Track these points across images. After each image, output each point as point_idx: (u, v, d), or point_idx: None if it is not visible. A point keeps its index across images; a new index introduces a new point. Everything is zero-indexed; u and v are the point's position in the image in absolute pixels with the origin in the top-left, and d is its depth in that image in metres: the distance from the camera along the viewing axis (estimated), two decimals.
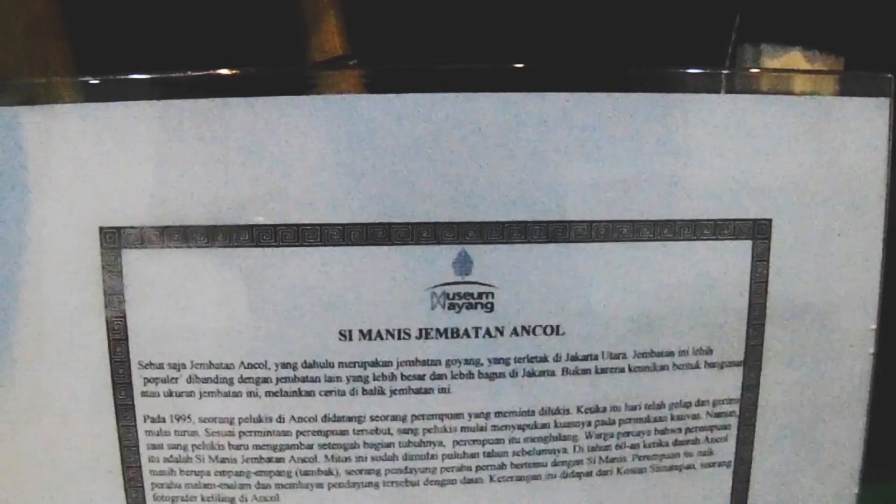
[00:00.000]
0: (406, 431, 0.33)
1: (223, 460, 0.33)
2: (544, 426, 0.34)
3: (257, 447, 0.33)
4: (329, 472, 0.33)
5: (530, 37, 0.41)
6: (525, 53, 0.37)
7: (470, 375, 0.33)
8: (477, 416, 0.33)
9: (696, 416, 0.34)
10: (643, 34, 0.41)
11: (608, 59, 0.39)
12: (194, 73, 0.32)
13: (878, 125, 0.34)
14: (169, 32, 0.42)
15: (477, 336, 0.33)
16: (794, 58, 0.39)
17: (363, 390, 0.33)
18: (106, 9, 0.42)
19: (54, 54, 0.39)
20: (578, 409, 0.34)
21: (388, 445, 0.33)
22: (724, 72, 0.34)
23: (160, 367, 0.33)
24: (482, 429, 0.34)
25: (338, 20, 0.41)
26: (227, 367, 0.33)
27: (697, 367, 0.34)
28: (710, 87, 0.33)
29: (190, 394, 0.33)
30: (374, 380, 0.33)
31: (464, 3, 0.42)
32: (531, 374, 0.33)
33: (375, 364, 0.33)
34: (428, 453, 0.34)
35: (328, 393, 0.33)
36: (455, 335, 0.33)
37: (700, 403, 0.34)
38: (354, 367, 0.33)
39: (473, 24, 0.41)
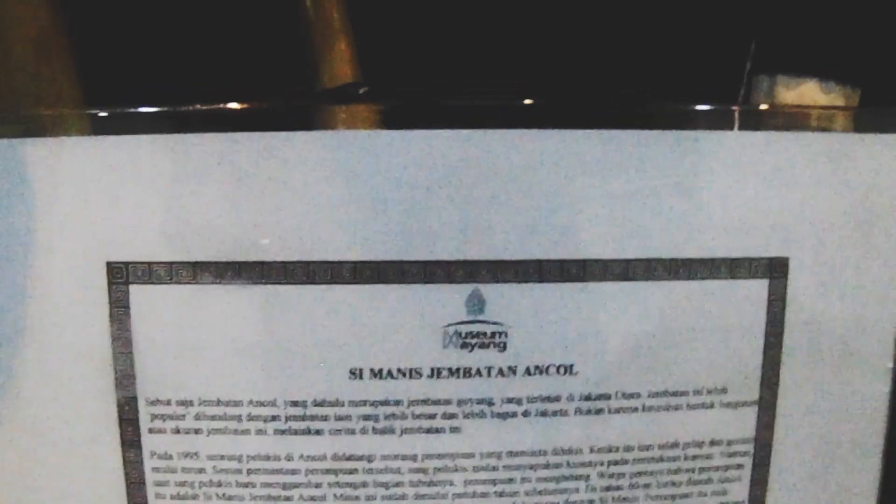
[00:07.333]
0: (417, 471, 0.33)
1: (230, 498, 0.33)
2: (557, 466, 0.33)
3: (265, 485, 0.33)
4: None
5: (543, 68, 0.40)
6: (537, 84, 0.37)
7: (482, 415, 0.33)
8: (489, 455, 0.33)
9: (709, 456, 0.34)
10: (657, 64, 0.41)
11: (622, 90, 0.39)
12: (203, 108, 0.31)
13: (894, 162, 0.33)
14: (176, 55, 0.41)
15: (489, 375, 0.32)
16: (810, 89, 0.39)
17: (373, 429, 0.32)
18: (112, 31, 0.41)
19: (60, 79, 0.39)
20: (591, 449, 0.33)
21: (399, 485, 0.33)
22: (740, 108, 0.33)
23: (167, 403, 0.32)
24: (494, 469, 0.33)
25: (349, 47, 0.40)
26: (236, 404, 0.32)
27: (712, 406, 0.34)
28: (725, 123, 0.33)
29: (198, 431, 0.32)
30: (385, 419, 0.32)
31: (476, 32, 0.41)
32: (544, 414, 0.33)
33: (386, 403, 0.32)
34: (439, 493, 0.33)
35: (338, 432, 0.32)
36: (467, 374, 0.32)
37: (714, 443, 0.34)
38: (365, 405, 0.32)
39: (486, 52, 0.41)
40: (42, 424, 0.32)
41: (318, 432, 0.32)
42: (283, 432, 0.32)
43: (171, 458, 0.33)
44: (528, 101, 0.32)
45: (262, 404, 0.32)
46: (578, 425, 0.33)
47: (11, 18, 0.38)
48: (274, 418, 0.32)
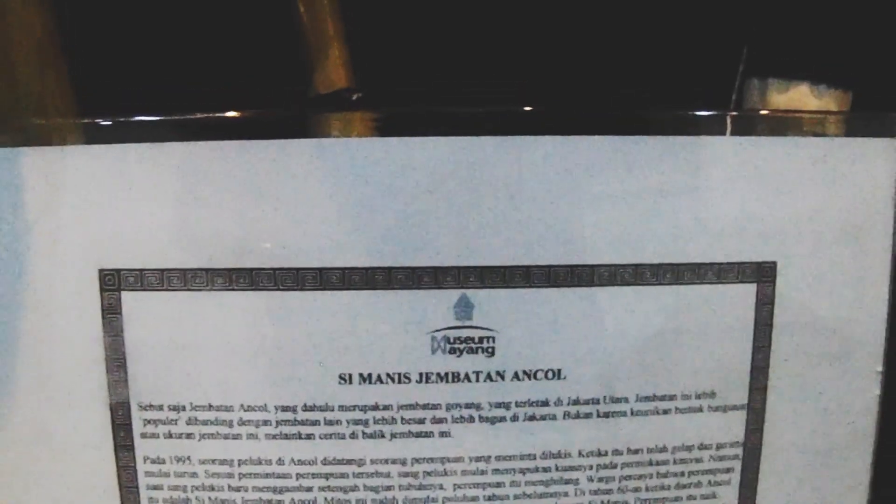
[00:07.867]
0: (406, 475, 0.33)
1: (223, 502, 0.33)
2: (545, 470, 0.33)
3: (257, 489, 0.33)
4: None
5: (535, 73, 0.41)
6: (530, 90, 0.37)
7: (470, 419, 0.33)
8: (477, 459, 0.33)
9: (698, 460, 0.34)
10: (649, 68, 0.41)
11: (614, 94, 0.39)
12: (198, 116, 0.32)
13: (885, 166, 0.33)
14: (170, 61, 0.42)
15: (478, 380, 0.33)
16: (802, 92, 0.39)
17: (363, 434, 0.33)
18: (107, 38, 0.41)
19: (59, 86, 0.39)
20: (580, 453, 0.34)
21: (389, 488, 0.33)
22: (731, 114, 0.33)
23: (160, 408, 0.33)
24: (483, 472, 0.33)
25: (342, 52, 0.40)
26: (227, 409, 0.33)
27: (701, 410, 0.34)
28: (716, 129, 0.33)
29: (190, 435, 0.33)
30: (375, 423, 0.33)
31: (470, 37, 0.41)
32: (532, 418, 0.33)
33: (376, 408, 0.33)
34: (428, 497, 0.33)
35: (328, 436, 0.33)
36: (456, 379, 0.32)
37: (703, 447, 0.34)
38: (354, 410, 0.33)
39: (479, 58, 0.41)
40: (36, 430, 0.33)
41: (308, 437, 0.33)
42: (274, 437, 0.33)
43: (163, 462, 0.33)
44: (518, 108, 0.32)
45: (253, 409, 0.33)
46: (567, 429, 0.33)
47: (13, 26, 0.38)
48: (265, 423, 0.33)
